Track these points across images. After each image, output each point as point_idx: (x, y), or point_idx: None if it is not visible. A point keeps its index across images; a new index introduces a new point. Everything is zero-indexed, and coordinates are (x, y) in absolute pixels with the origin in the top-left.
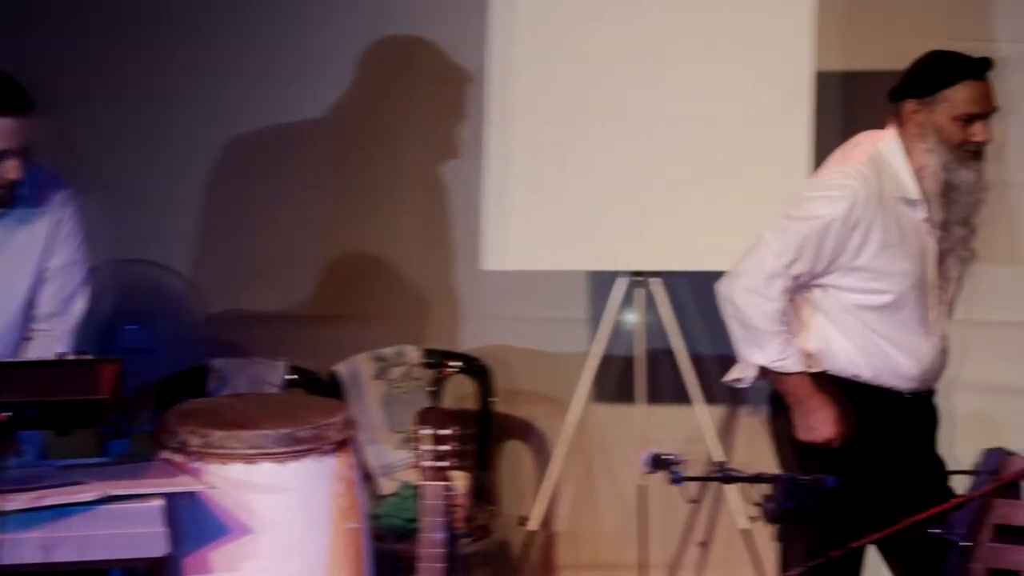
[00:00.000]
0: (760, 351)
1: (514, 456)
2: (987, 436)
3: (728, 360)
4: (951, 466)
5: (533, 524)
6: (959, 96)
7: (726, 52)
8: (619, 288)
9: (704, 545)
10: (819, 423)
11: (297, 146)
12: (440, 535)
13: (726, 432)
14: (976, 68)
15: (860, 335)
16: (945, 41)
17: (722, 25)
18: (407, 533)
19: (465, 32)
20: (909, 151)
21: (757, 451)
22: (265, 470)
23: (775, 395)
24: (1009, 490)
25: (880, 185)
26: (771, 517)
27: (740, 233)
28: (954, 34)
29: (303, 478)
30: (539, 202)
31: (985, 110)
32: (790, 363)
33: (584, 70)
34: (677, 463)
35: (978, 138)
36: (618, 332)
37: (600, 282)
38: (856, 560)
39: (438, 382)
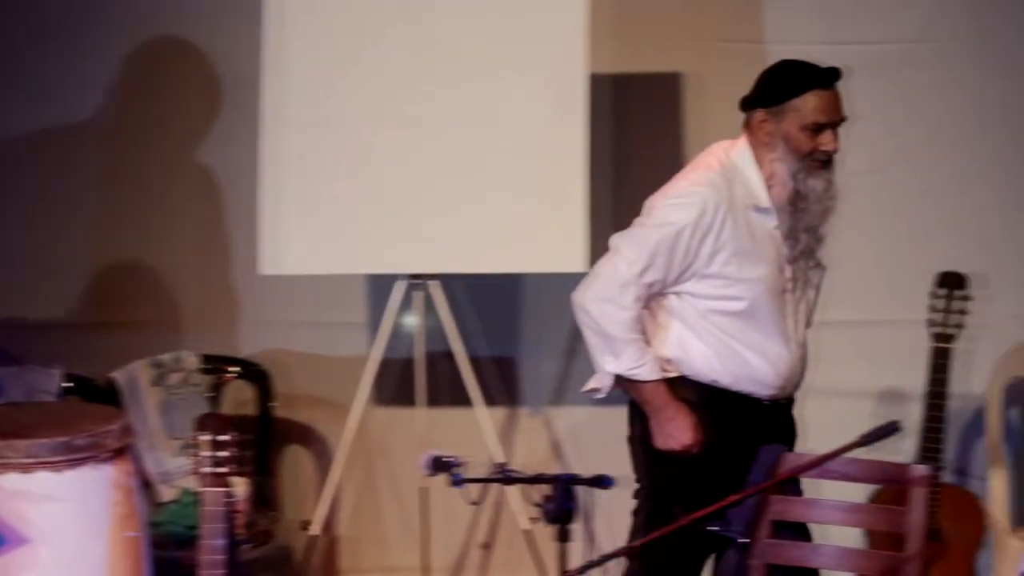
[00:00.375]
0: (615, 359)
1: (295, 461)
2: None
3: (504, 361)
4: None
5: (315, 529)
6: (807, 106)
7: (500, 55)
8: (398, 291)
9: (486, 546)
10: (676, 430)
11: (66, 151)
12: (220, 542)
13: (506, 433)
14: (824, 78)
15: (717, 340)
16: (715, 43)
17: (496, 28)
18: (187, 540)
19: (239, 36)
20: (759, 160)
21: (537, 452)
22: (41, 479)
23: (633, 402)
24: (786, 486)
25: (731, 193)
26: (551, 517)
27: (517, 235)
28: (724, 36)
29: (80, 486)
30: (316, 206)
31: (833, 119)
32: (645, 371)
33: (358, 74)
34: (457, 465)
35: (826, 147)
36: (397, 335)
37: (379, 285)
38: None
39: (217, 388)
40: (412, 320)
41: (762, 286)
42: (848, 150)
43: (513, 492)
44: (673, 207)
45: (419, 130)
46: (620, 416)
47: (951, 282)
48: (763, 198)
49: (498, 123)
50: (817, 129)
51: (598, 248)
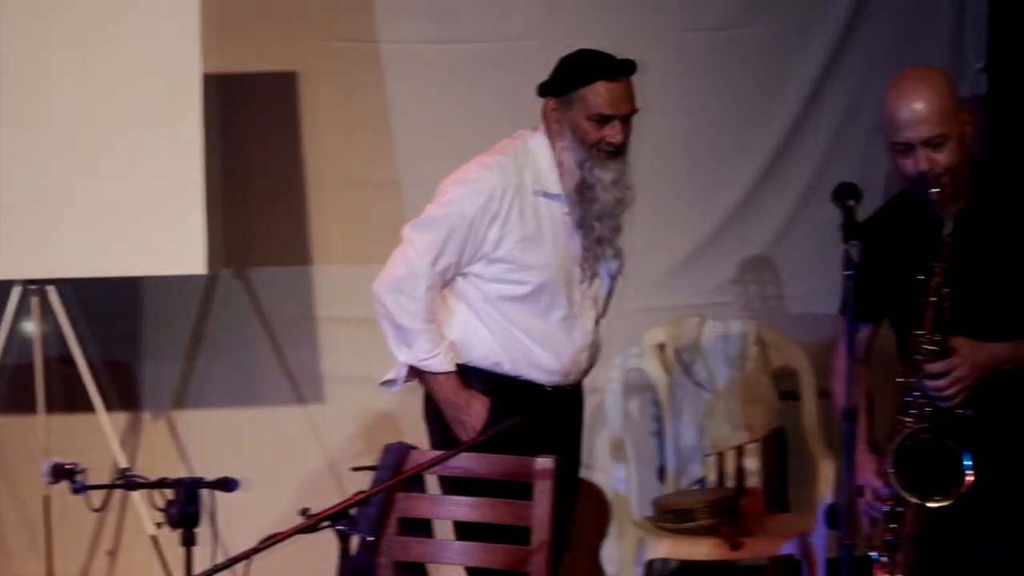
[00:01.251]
0: (408, 349)
1: None
2: (385, 431)
3: (125, 366)
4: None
5: None
6: (593, 96)
7: (114, 55)
8: (14, 297)
9: (112, 553)
10: (468, 419)
11: None
12: None
13: (129, 438)
14: (612, 69)
15: (499, 326)
16: (329, 42)
17: (110, 28)
18: None
19: None
20: (553, 148)
21: (161, 456)
22: None
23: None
24: (411, 483)
25: (520, 178)
26: (175, 522)
27: (135, 238)
28: (337, 35)
29: None
30: None
31: (619, 111)
32: (437, 362)
33: None
34: (79, 472)
35: (612, 139)
36: (15, 341)
37: None
38: None
39: None
40: (29, 326)
41: (548, 272)
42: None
43: (138, 497)
44: (462, 192)
45: (34, 131)
46: (246, 417)
47: None
48: (553, 184)
49: (113, 124)
50: (603, 120)
51: (216, 249)
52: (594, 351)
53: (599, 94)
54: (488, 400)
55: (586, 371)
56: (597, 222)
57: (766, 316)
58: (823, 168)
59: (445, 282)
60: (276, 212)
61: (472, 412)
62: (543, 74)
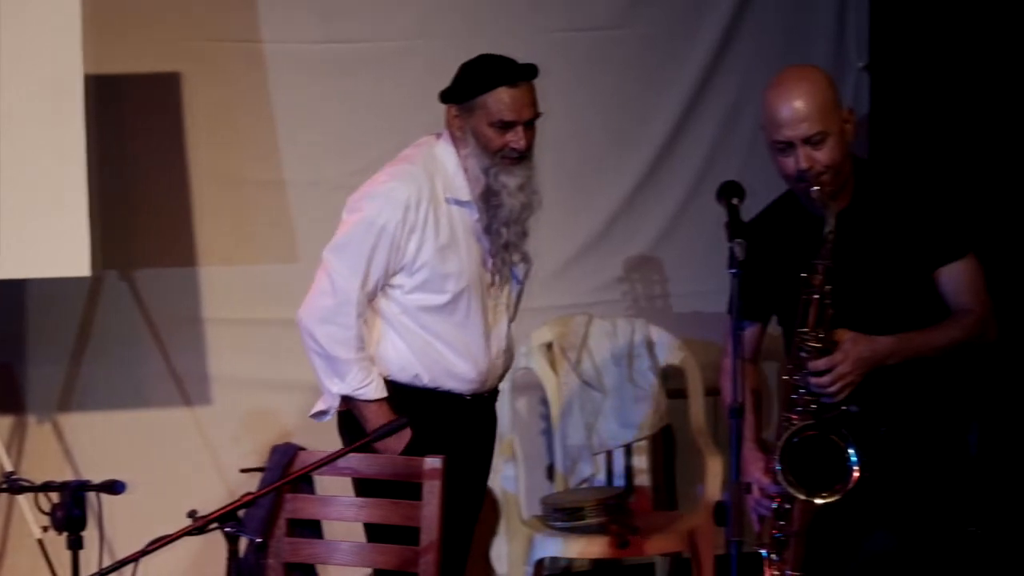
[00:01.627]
0: (340, 381)
1: None
2: (273, 432)
3: (7, 368)
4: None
5: None
6: (493, 103)
7: None
8: None
9: None
10: (392, 441)
11: None
12: None
13: (14, 442)
14: (512, 74)
15: (417, 338)
16: (211, 42)
17: None
18: None
19: None
20: (458, 154)
21: (47, 460)
22: None
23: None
24: (300, 484)
25: (433, 186)
26: (61, 525)
27: (18, 240)
28: (219, 35)
29: None
30: None
31: (521, 117)
32: (371, 390)
33: None
34: None
35: (515, 144)
36: None
37: None
38: None
39: None
40: None
41: (464, 279)
42: (346, 150)
43: (23, 501)
44: (377, 207)
45: None
46: (132, 420)
47: None
48: (463, 191)
49: None
50: (505, 126)
51: (101, 251)
52: (508, 356)
53: (500, 100)
54: (409, 432)
55: (501, 376)
56: (504, 228)
57: (653, 315)
58: (707, 167)
59: (370, 303)
60: (161, 214)
61: (401, 442)
62: (427, 74)
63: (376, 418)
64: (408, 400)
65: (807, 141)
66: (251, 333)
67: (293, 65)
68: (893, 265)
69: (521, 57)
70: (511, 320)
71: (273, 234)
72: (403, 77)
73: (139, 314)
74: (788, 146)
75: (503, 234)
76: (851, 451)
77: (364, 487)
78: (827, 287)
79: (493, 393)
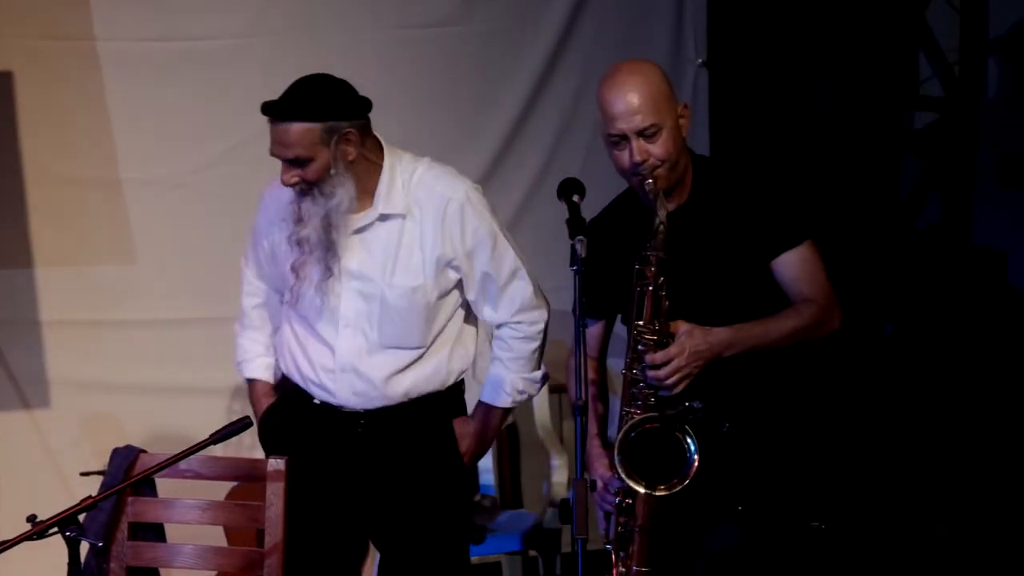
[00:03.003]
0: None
1: None
2: (113, 435)
3: None
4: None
5: None
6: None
7: None
8: None
9: None
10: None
11: None
12: None
13: None
14: (269, 110)
15: (284, 334)
16: (44, 41)
17: None
18: None
19: None
20: None
21: None
22: None
23: None
24: (141, 487)
25: (282, 191)
26: None
27: None
28: (52, 33)
29: None
30: None
31: (282, 155)
32: (244, 368)
33: None
34: None
35: (288, 183)
36: None
37: None
38: None
39: None
40: None
41: (301, 284)
42: (184, 148)
43: None
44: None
45: None
46: None
47: None
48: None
49: None
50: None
51: None
52: (367, 384)
53: (271, 135)
54: (260, 419)
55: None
56: (320, 250)
57: None
58: (548, 164)
59: (279, 293)
60: None
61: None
62: (262, 72)
63: (250, 396)
64: (285, 394)
65: (641, 134)
66: (90, 335)
67: (127, 63)
68: (730, 256)
69: (358, 55)
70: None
71: (111, 233)
72: (238, 75)
73: None
74: (622, 139)
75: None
76: (690, 443)
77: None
78: (661, 279)
79: (375, 420)
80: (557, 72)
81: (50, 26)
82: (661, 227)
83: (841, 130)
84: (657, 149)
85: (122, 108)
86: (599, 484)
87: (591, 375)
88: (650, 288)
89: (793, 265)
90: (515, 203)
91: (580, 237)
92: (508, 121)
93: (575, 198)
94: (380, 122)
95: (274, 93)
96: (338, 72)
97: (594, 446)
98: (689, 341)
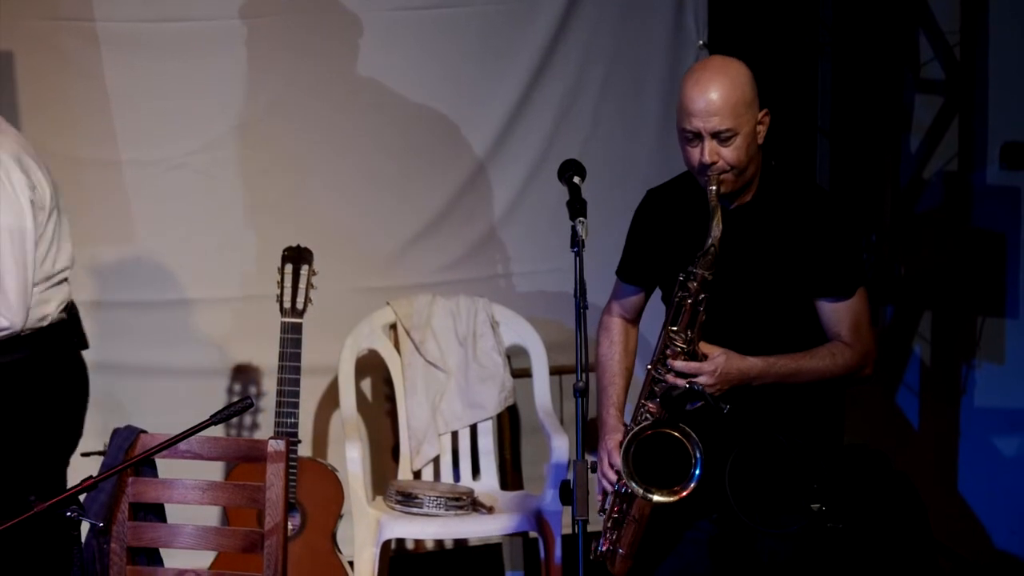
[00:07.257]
0: None
1: None
2: (114, 415)
3: None
4: None
5: None
6: None
7: None
8: None
9: None
10: None
11: None
12: None
13: None
14: None
15: None
16: (44, 21)
17: None
18: None
19: None
20: None
21: None
22: None
23: None
24: (142, 468)
25: None
26: None
27: None
28: (52, 14)
29: None
30: None
31: None
32: None
33: None
34: None
35: None
36: None
37: None
38: None
39: None
40: None
41: None
42: (184, 129)
43: None
44: None
45: None
46: None
47: (295, 257)
48: None
49: None
50: None
51: None
52: None
53: None
54: None
55: None
56: None
57: (496, 294)
58: (548, 146)
59: None
60: None
61: None
62: (261, 53)
63: None
64: None
65: (715, 136)
66: (89, 315)
67: (126, 44)
68: (777, 276)
69: (359, 36)
70: None
71: (110, 213)
72: (238, 56)
73: None
74: (695, 136)
75: None
76: (697, 459)
77: None
78: (702, 296)
79: None
80: (558, 53)
81: (50, 7)
82: (712, 248)
83: (841, 113)
84: (729, 154)
85: (122, 89)
86: (603, 457)
87: (623, 340)
88: (689, 301)
89: (839, 310)
90: (516, 184)
91: (580, 219)
92: (509, 102)
93: (576, 179)
94: (381, 104)
95: (275, 74)
96: (340, 53)
97: (611, 415)
98: (725, 363)
